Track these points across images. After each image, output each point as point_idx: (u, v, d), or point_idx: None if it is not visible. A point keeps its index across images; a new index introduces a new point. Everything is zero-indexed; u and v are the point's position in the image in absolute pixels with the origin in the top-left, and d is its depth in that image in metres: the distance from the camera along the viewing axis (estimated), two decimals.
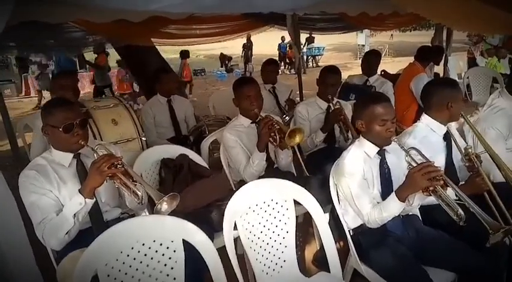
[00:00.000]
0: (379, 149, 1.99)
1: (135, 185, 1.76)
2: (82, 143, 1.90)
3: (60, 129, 1.83)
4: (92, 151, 1.89)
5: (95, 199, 1.84)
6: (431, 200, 1.83)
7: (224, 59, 16.62)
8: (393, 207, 1.83)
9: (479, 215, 1.64)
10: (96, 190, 1.85)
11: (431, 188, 1.72)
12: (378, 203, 1.94)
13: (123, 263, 1.53)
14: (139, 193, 1.74)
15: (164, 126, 3.73)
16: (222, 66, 16.52)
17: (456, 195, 1.73)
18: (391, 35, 23.05)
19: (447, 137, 2.24)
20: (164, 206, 1.70)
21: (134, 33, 4.66)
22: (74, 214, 1.78)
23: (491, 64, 7.85)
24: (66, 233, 1.79)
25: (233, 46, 13.42)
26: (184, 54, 10.62)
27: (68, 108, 1.90)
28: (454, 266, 1.90)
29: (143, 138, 2.75)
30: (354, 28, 7.76)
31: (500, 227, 1.59)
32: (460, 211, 1.65)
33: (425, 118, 2.27)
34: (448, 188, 1.73)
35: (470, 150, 2.06)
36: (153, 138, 3.50)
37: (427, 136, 2.21)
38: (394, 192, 1.83)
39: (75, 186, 1.88)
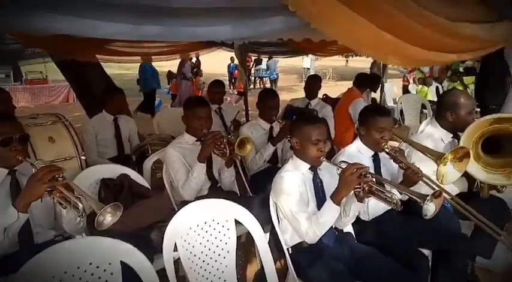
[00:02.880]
0: (310, 165, 2.11)
1: (77, 197, 1.71)
2: (20, 158, 1.84)
3: None
4: (31, 166, 1.81)
5: (28, 215, 1.76)
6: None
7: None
8: (329, 212, 1.92)
9: (408, 193, 1.81)
10: (29, 209, 1.76)
11: (366, 187, 1.85)
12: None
13: None
14: (80, 205, 1.68)
15: (106, 145, 3.65)
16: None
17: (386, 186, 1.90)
18: (347, 60, 24.36)
19: (376, 158, 2.42)
20: (108, 218, 1.67)
21: (78, 49, 4.53)
22: (5, 229, 1.69)
23: (422, 92, 8.54)
24: None
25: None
26: None
27: (7, 121, 1.85)
28: (383, 281, 2.02)
29: (82, 157, 2.67)
30: (299, 53, 8.11)
31: (426, 196, 1.73)
32: (396, 199, 1.79)
33: (356, 140, 2.45)
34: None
35: (384, 144, 2.27)
36: (94, 157, 3.40)
37: (356, 156, 2.35)
38: (329, 197, 1.94)
39: (5, 204, 1.76)
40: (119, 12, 1.59)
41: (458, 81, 8.89)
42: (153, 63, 9.58)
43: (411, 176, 2.12)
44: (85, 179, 2.44)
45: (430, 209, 1.74)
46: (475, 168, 2.38)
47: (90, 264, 1.55)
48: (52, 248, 1.50)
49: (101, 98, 3.78)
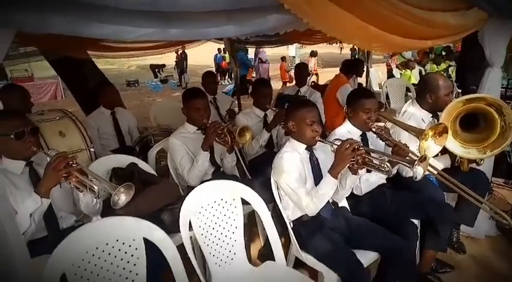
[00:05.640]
0: (306, 145, 2.30)
1: (91, 181, 1.87)
2: (34, 149, 1.98)
3: (12, 136, 1.91)
4: (46, 156, 1.97)
5: (50, 199, 1.92)
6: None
7: (155, 68, 16.51)
8: (328, 185, 2.11)
9: (399, 160, 2.02)
10: (50, 196, 1.92)
11: (359, 159, 2.04)
12: None
13: (89, 262, 1.64)
14: (95, 187, 1.85)
15: (108, 138, 3.80)
16: (155, 77, 16.36)
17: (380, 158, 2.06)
18: (341, 48, 24.24)
19: (364, 137, 2.62)
20: (122, 197, 1.84)
21: (69, 45, 4.60)
22: (30, 214, 1.85)
23: (406, 75, 8.78)
24: (23, 234, 1.83)
25: (165, 56, 13.38)
26: (313, 54, 14.69)
27: (17, 116, 2.00)
28: (376, 247, 2.23)
29: (92, 149, 2.81)
30: (285, 42, 8.25)
31: (415, 160, 1.93)
32: (387, 168, 1.97)
33: (346, 122, 2.65)
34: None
35: (371, 124, 2.47)
36: (98, 150, 3.53)
37: (346, 136, 2.54)
38: (327, 172, 2.12)
39: (29, 192, 1.92)
40: (148, 18, 1.79)
41: (441, 63, 9.18)
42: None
43: (399, 152, 2.30)
44: (96, 169, 2.56)
45: (419, 171, 1.94)
46: (453, 144, 2.60)
47: (117, 240, 1.73)
48: (82, 227, 1.68)
49: (95, 93, 3.91)
